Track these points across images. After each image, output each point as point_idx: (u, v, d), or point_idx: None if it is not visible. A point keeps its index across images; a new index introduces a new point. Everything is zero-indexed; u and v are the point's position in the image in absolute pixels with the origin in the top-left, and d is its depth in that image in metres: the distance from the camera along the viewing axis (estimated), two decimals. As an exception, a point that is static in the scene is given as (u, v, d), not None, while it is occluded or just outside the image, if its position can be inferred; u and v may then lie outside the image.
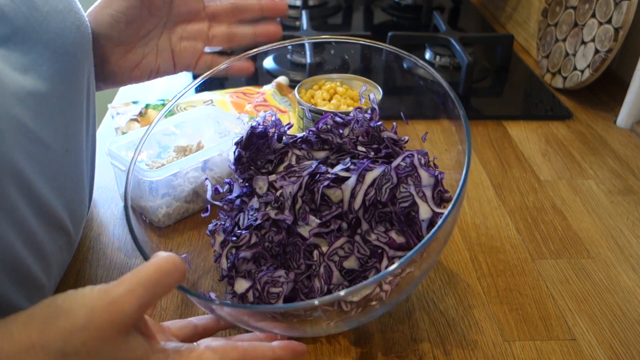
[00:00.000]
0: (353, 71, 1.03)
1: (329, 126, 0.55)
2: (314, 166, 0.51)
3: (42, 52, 0.44)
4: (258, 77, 1.00)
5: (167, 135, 0.69)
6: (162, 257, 0.37)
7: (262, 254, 0.50)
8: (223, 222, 0.53)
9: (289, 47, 1.03)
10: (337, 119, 0.55)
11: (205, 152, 0.63)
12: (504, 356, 0.50)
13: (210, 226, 0.55)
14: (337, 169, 0.50)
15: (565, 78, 0.94)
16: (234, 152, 0.55)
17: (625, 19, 0.83)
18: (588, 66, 0.89)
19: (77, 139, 0.49)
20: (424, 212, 0.47)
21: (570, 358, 0.50)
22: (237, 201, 0.54)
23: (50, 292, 0.49)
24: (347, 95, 0.69)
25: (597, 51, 0.87)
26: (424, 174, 0.48)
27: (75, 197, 0.50)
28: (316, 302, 0.39)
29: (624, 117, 0.86)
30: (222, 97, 0.81)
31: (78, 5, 0.50)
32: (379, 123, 0.55)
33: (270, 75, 0.99)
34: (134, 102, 0.82)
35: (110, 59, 0.58)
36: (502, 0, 1.27)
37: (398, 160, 0.49)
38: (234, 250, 0.51)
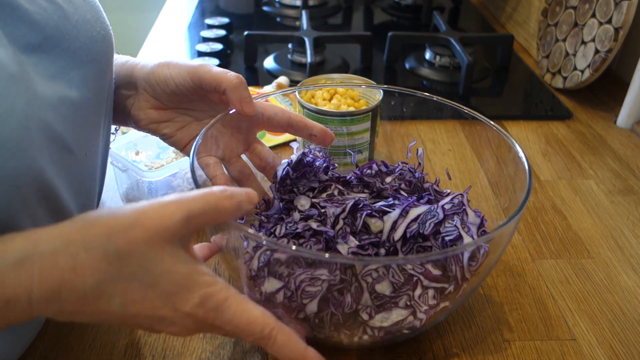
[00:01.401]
0: (353, 71, 1.03)
1: (373, 172, 0.58)
2: (356, 198, 0.53)
3: (70, 60, 0.44)
4: (258, 78, 1.00)
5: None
6: (232, 188, 0.36)
7: (297, 260, 0.50)
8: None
9: (290, 46, 1.03)
10: (383, 168, 0.58)
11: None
12: (504, 356, 0.50)
13: None
14: (381, 204, 0.52)
15: (565, 78, 0.94)
16: (282, 170, 0.56)
17: (625, 19, 0.83)
18: (588, 66, 0.89)
19: (94, 143, 0.49)
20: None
21: (570, 358, 0.50)
22: (275, 216, 0.55)
23: None
24: (348, 95, 0.69)
25: (597, 51, 0.87)
26: (471, 213, 0.51)
27: (87, 201, 0.50)
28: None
29: (624, 117, 0.86)
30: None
31: (104, 16, 0.50)
32: (423, 175, 0.58)
33: (271, 75, 0.99)
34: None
35: (139, 104, 0.56)
36: (502, 0, 1.28)
37: (447, 200, 0.52)
38: (268, 252, 0.50)
